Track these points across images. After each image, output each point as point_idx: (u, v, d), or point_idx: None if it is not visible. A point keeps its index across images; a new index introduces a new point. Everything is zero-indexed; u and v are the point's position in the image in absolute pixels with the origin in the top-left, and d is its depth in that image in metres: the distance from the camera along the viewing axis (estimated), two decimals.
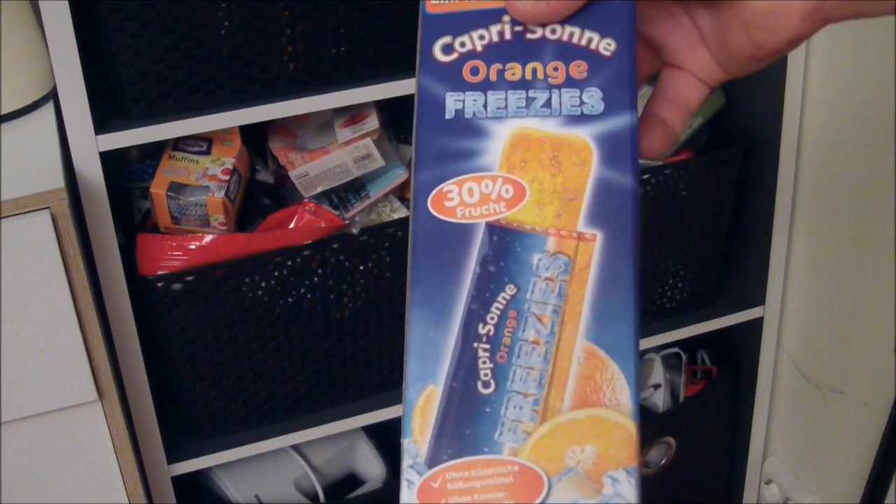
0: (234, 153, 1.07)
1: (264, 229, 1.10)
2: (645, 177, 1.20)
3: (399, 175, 1.13)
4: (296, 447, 1.28)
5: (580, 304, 0.36)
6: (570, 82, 0.39)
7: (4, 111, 0.99)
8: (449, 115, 0.39)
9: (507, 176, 0.38)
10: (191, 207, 1.04)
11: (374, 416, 1.22)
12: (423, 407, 0.35)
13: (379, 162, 1.09)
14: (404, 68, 1.05)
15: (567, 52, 0.39)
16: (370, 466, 1.34)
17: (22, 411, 0.95)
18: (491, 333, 0.36)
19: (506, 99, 0.39)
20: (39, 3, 0.88)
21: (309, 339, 1.14)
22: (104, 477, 1.02)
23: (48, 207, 0.87)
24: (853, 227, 1.23)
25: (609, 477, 0.34)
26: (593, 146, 0.38)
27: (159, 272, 1.04)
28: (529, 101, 0.39)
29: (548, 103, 0.39)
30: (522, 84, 0.39)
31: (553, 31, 0.40)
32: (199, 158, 1.06)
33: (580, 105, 0.39)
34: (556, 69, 0.39)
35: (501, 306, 0.36)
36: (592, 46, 0.39)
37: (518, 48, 0.40)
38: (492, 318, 0.36)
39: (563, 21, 0.40)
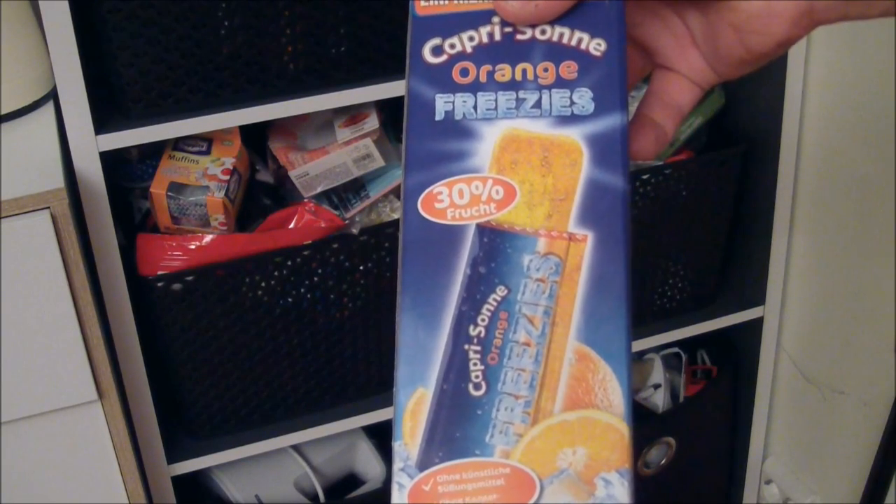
0: (234, 153, 1.07)
1: (264, 229, 1.10)
2: (645, 177, 1.20)
3: (399, 175, 1.13)
4: (296, 447, 1.28)
5: (571, 305, 0.36)
6: (560, 83, 0.39)
7: (4, 111, 0.99)
8: (439, 116, 0.39)
9: (497, 177, 0.38)
10: (191, 207, 1.04)
11: (374, 416, 1.22)
12: (413, 410, 0.35)
13: (379, 162, 1.09)
14: (404, 68, 1.05)
15: (557, 52, 0.39)
16: (370, 466, 1.34)
17: (22, 411, 0.95)
18: (482, 335, 0.36)
19: (496, 100, 0.39)
20: (39, 3, 0.88)
21: (309, 339, 1.14)
22: (104, 477, 1.02)
23: (48, 207, 0.87)
24: (853, 226, 1.23)
25: (601, 479, 0.34)
26: (584, 147, 0.38)
27: (159, 272, 1.04)
28: (519, 101, 0.39)
29: (538, 104, 0.39)
30: (512, 85, 0.39)
31: (543, 32, 0.39)
32: (199, 158, 1.06)
33: (570, 105, 0.39)
34: (546, 70, 0.39)
35: (492, 308, 0.36)
36: (582, 47, 0.39)
37: (508, 49, 0.39)
38: (482, 320, 0.36)
39: (553, 22, 0.39)
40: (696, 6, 0.42)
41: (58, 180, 0.89)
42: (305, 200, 1.10)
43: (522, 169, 0.38)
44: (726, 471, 1.54)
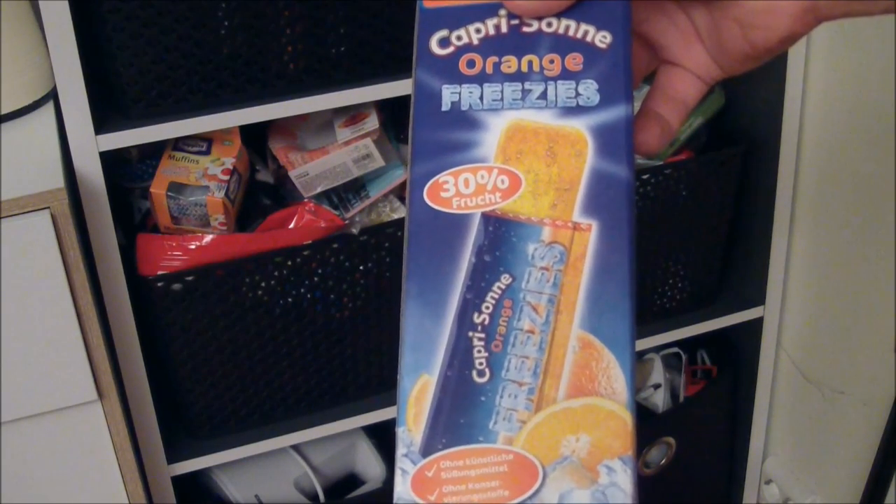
0: (234, 153, 1.07)
1: (264, 229, 1.10)
2: (645, 177, 1.20)
3: (399, 175, 1.13)
4: (296, 447, 1.28)
5: (575, 293, 0.36)
6: (565, 74, 0.39)
7: (4, 111, 0.99)
8: (445, 107, 0.39)
9: (502, 167, 0.38)
10: (191, 207, 1.04)
11: (374, 416, 1.22)
12: (417, 397, 0.36)
13: (379, 162, 1.09)
14: (404, 68, 1.05)
15: (563, 44, 0.40)
16: (370, 466, 1.34)
17: (22, 411, 0.95)
18: (486, 323, 0.36)
19: (502, 91, 0.39)
20: (39, 3, 0.88)
21: (309, 339, 1.14)
22: (104, 477, 1.02)
23: (48, 207, 0.87)
24: (853, 227, 1.23)
25: (604, 466, 0.34)
26: (589, 137, 0.38)
27: (159, 272, 1.04)
28: (525, 92, 0.39)
29: (543, 95, 0.39)
30: (518, 76, 0.39)
31: (549, 25, 0.40)
32: (199, 158, 1.06)
33: (576, 97, 0.39)
34: (551, 61, 0.40)
35: (497, 296, 0.37)
36: (588, 39, 0.40)
37: (514, 41, 0.40)
38: (487, 308, 0.37)
39: (559, 14, 0.40)
40: (700, 2, 0.42)
41: (58, 180, 0.89)
42: (305, 200, 1.10)
43: (528, 159, 0.38)
44: (726, 471, 1.54)
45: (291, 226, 1.09)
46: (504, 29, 0.40)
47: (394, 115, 1.18)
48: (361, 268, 1.12)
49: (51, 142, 0.96)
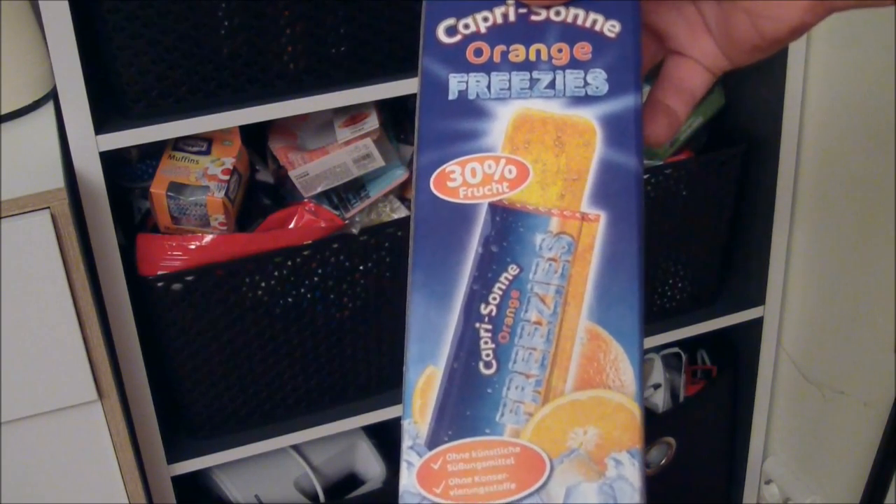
0: (234, 153, 1.07)
1: (264, 229, 1.10)
2: (645, 177, 1.20)
3: (399, 175, 1.13)
4: (296, 447, 1.28)
5: (583, 284, 0.36)
6: (574, 63, 0.39)
7: (4, 111, 0.99)
8: (452, 96, 0.39)
9: (510, 156, 0.38)
10: (191, 207, 1.04)
11: (374, 416, 1.22)
12: (423, 388, 0.35)
13: (379, 162, 1.09)
14: (404, 68, 1.05)
15: (571, 33, 0.39)
16: (370, 466, 1.34)
17: (22, 411, 0.95)
18: (493, 314, 0.36)
19: (509, 80, 0.39)
20: (39, 3, 0.88)
21: (309, 339, 1.14)
22: (104, 477, 1.02)
23: (48, 207, 0.87)
24: (853, 226, 1.23)
25: (612, 459, 0.34)
26: (597, 127, 0.38)
27: (159, 272, 1.04)
28: (533, 82, 0.39)
29: (552, 84, 0.39)
30: (526, 65, 0.39)
31: (557, 14, 0.40)
32: (199, 158, 1.06)
33: (584, 86, 0.39)
34: (560, 51, 0.39)
35: (504, 287, 0.36)
36: (597, 28, 0.39)
37: (522, 30, 0.40)
38: (494, 299, 0.36)
39: (568, 3, 0.40)
40: None
41: (58, 180, 0.89)
42: (305, 200, 1.10)
43: (535, 148, 0.38)
44: (726, 471, 1.54)
45: (291, 226, 1.09)
46: (512, 17, 0.40)
47: (394, 115, 1.18)
48: (361, 268, 1.12)
49: (51, 142, 0.96)
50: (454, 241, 0.37)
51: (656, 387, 1.42)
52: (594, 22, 0.39)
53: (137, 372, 1.07)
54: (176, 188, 1.04)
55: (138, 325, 1.05)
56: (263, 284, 1.09)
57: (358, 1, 1.00)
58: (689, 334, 1.34)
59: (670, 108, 0.43)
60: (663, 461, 1.40)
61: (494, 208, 0.37)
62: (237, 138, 1.08)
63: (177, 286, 1.05)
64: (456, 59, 0.39)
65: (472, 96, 0.39)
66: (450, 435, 0.35)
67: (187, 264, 1.05)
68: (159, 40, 0.95)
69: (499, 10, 0.40)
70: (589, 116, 0.38)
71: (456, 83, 0.39)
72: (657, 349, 1.45)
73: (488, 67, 0.39)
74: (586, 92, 0.39)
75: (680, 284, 1.32)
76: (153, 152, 1.09)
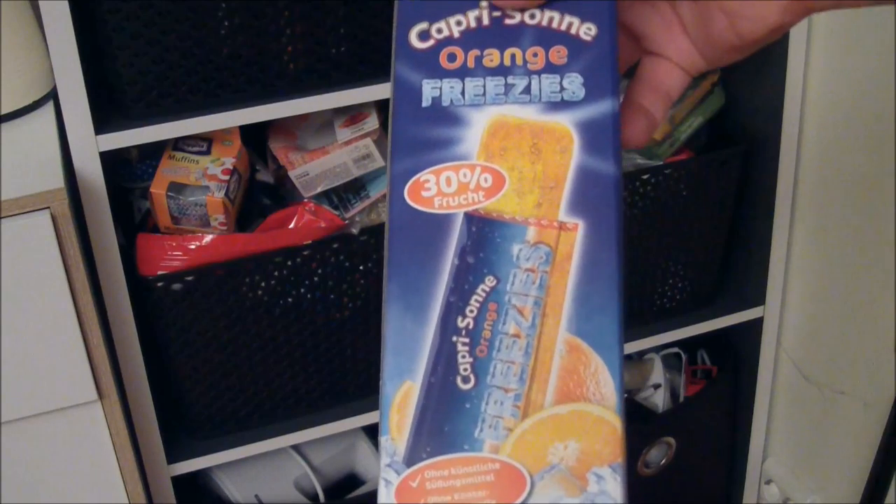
0: (234, 153, 1.07)
1: (264, 229, 1.10)
2: (645, 177, 1.20)
3: None
4: (296, 447, 1.28)
5: (562, 295, 0.35)
6: (550, 68, 0.38)
7: (4, 111, 0.99)
8: (426, 102, 0.38)
9: (485, 164, 0.37)
10: (191, 207, 1.04)
11: (374, 416, 1.22)
12: (400, 403, 0.35)
13: (379, 162, 1.09)
14: None
15: (547, 37, 0.38)
16: (370, 466, 1.34)
17: (22, 411, 0.95)
18: (470, 327, 0.35)
19: (484, 86, 0.38)
20: (39, 3, 0.88)
21: (309, 339, 1.14)
22: (104, 477, 1.02)
23: (48, 207, 0.86)
24: (853, 226, 1.23)
25: (594, 474, 0.33)
26: (574, 133, 0.37)
27: (159, 272, 1.04)
28: (508, 87, 0.38)
29: (527, 89, 0.38)
30: (501, 70, 0.38)
31: (532, 16, 0.39)
32: (199, 158, 1.06)
33: (560, 91, 0.38)
34: (535, 55, 0.38)
35: (481, 299, 0.36)
36: (573, 31, 0.38)
37: (496, 34, 0.39)
38: (471, 311, 0.35)
39: (542, 6, 0.39)
40: None
41: (58, 180, 0.89)
42: (305, 200, 1.10)
43: (511, 156, 0.37)
44: (726, 471, 1.54)
45: (291, 226, 1.09)
46: (486, 21, 0.39)
47: None
48: (361, 268, 1.12)
49: (51, 142, 0.96)
50: (430, 252, 0.36)
51: (656, 387, 1.42)
52: (570, 25, 0.39)
53: (137, 372, 1.07)
54: (176, 188, 1.04)
55: (138, 325, 1.05)
56: (263, 284, 1.09)
57: (358, 1, 1.00)
58: (689, 334, 1.34)
59: (647, 109, 0.42)
60: (663, 461, 1.40)
61: (470, 218, 0.36)
62: (237, 138, 1.08)
63: (177, 286, 1.05)
64: (429, 64, 0.38)
65: (445, 103, 0.38)
66: (428, 451, 0.34)
67: (187, 264, 1.05)
68: (159, 40, 0.95)
69: (472, 14, 0.39)
70: (566, 122, 0.37)
71: (429, 89, 0.38)
72: (657, 349, 1.45)
73: (462, 73, 0.38)
74: (562, 97, 0.38)
75: (680, 284, 1.32)
76: (153, 152, 1.09)
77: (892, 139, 1.12)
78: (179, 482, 1.18)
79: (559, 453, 0.34)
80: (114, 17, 0.93)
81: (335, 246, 1.09)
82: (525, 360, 0.35)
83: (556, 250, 0.36)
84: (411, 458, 0.34)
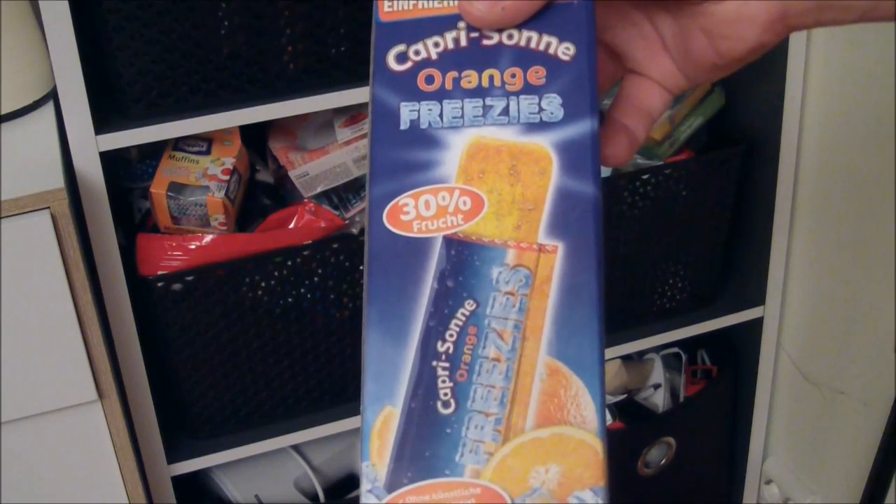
0: (234, 153, 1.07)
1: (264, 229, 1.10)
2: (645, 177, 1.20)
3: None
4: (296, 447, 1.28)
5: (542, 318, 0.35)
6: (528, 89, 0.38)
7: (4, 111, 0.99)
8: (404, 125, 0.38)
9: (464, 187, 0.37)
10: (191, 207, 1.04)
11: None
12: (380, 429, 0.34)
13: None
14: None
15: (525, 57, 0.38)
16: None
17: (22, 411, 0.95)
18: (450, 351, 0.35)
19: (462, 108, 0.38)
20: (39, 3, 0.88)
21: (309, 339, 1.14)
22: (104, 477, 1.02)
23: (48, 207, 0.87)
24: (853, 226, 1.23)
25: (575, 497, 0.33)
26: (553, 154, 0.37)
27: (159, 272, 1.04)
28: (486, 109, 0.38)
29: (505, 111, 0.38)
30: (479, 92, 0.38)
31: (510, 37, 0.38)
32: (199, 158, 1.06)
33: (539, 112, 0.37)
34: (513, 76, 0.38)
35: (461, 323, 0.35)
36: (551, 51, 0.38)
37: (474, 55, 0.38)
38: (451, 336, 0.35)
39: (521, 26, 0.38)
40: (667, 10, 0.41)
41: (58, 180, 0.89)
42: (305, 200, 1.10)
43: (490, 178, 0.37)
44: (726, 471, 1.54)
45: (291, 226, 1.09)
46: (463, 42, 0.38)
47: None
48: (361, 268, 1.12)
49: (51, 142, 0.96)
50: (409, 276, 0.36)
51: (656, 387, 1.43)
52: (548, 45, 0.38)
53: (137, 372, 1.07)
54: (176, 188, 1.04)
55: (138, 325, 1.05)
56: (263, 284, 1.09)
57: (358, 1, 1.00)
58: (689, 334, 1.34)
59: (628, 127, 0.42)
60: (663, 461, 1.40)
61: (449, 241, 0.36)
62: (237, 138, 1.08)
63: (177, 286, 1.05)
64: (407, 87, 0.38)
65: (424, 125, 0.37)
66: (409, 477, 0.34)
67: (187, 264, 1.05)
68: (159, 40, 0.95)
69: (450, 35, 0.38)
70: (544, 143, 0.37)
71: (407, 112, 0.38)
72: (657, 349, 1.45)
73: (440, 95, 0.38)
74: (541, 118, 0.37)
75: (680, 284, 1.32)
76: (153, 152, 1.09)
77: (892, 139, 1.12)
78: (179, 482, 1.18)
79: (541, 477, 0.34)
80: (114, 17, 0.93)
81: (335, 246, 1.09)
82: (505, 383, 0.35)
83: (535, 273, 0.36)
84: (392, 484, 0.34)
